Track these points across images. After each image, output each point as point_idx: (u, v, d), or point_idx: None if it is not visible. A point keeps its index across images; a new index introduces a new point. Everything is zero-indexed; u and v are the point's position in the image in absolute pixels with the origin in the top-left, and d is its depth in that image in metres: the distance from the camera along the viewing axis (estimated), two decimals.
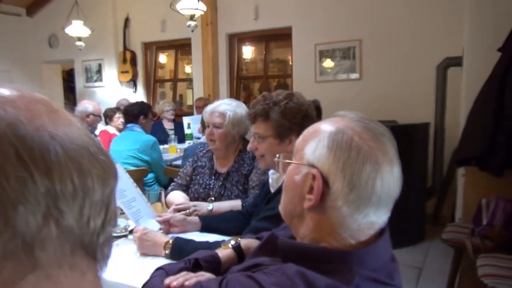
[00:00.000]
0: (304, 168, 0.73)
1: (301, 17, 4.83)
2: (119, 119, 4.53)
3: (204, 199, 1.99)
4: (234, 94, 5.61)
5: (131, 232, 1.51)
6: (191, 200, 2.03)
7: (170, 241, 1.30)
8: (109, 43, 6.31)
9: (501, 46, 2.59)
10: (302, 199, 0.73)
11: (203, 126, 2.75)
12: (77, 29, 5.19)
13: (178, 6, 3.57)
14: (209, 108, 2.04)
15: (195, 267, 0.93)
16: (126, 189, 1.55)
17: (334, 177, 0.68)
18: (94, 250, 0.35)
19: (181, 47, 6.22)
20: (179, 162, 3.42)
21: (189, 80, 6.37)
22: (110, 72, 6.44)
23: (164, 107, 4.91)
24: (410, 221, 3.50)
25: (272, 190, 1.46)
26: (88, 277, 0.35)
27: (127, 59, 6.17)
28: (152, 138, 3.23)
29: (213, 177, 2.02)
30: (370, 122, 0.74)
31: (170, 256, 1.28)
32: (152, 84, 6.44)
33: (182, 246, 1.28)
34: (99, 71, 6.55)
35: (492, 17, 2.88)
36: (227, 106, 2.00)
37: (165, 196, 2.09)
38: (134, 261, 1.28)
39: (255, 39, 5.69)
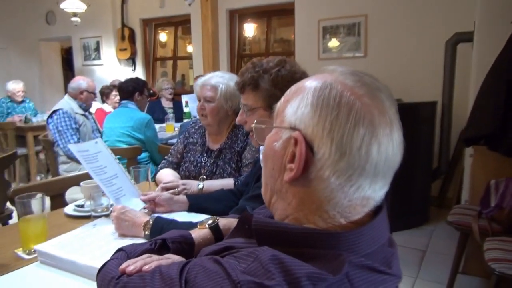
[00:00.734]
0: (285, 133, 0.61)
1: None
2: (115, 96, 4.42)
3: (196, 178, 1.88)
4: (235, 72, 5.44)
5: None
6: (182, 178, 1.92)
7: (150, 221, 1.19)
8: (107, 20, 6.14)
9: None
10: (283, 171, 0.61)
11: None
12: (72, 4, 5.03)
13: None
14: (200, 81, 1.91)
15: (163, 248, 0.82)
16: (106, 165, 1.44)
17: (319, 140, 0.56)
18: None
19: (181, 24, 6.04)
20: (175, 141, 3.31)
21: (189, 59, 6.20)
22: (109, 50, 6.28)
23: (163, 85, 4.77)
24: (415, 203, 3.39)
25: None
26: None
27: (125, 36, 6.01)
28: (146, 116, 3.12)
29: (205, 155, 1.90)
30: (364, 75, 0.61)
31: (150, 237, 1.17)
32: (152, 62, 6.28)
33: (163, 227, 1.17)
34: (97, 48, 6.40)
35: None
36: (219, 79, 1.87)
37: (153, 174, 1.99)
38: (111, 242, 1.18)
39: (257, 15, 5.49)
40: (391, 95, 0.61)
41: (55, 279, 1.06)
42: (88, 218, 1.46)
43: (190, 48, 6.37)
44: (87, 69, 6.56)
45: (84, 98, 3.31)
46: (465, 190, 3.20)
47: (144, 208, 1.47)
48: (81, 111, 3.29)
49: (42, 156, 5.10)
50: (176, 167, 1.99)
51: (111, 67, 6.31)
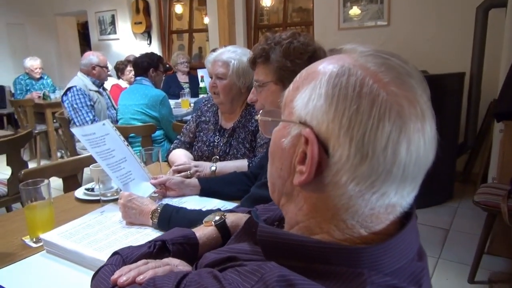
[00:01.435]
0: (294, 128, 0.51)
1: None
2: (130, 72, 4.36)
3: (209, 158, 1.82)
4: (251, 45, 5.29)
5: None
6: (195, 159, 1.86)
7: (158, 209, 1.14)
8: None
9: None
10: (292, 172, 0.52)
11: None
12: None
13: None
14: (211, 56, 1.82)
15: (163, 251, 0.76)
16: (115, 148, 1.38)
17: (335, 140, 0.47)
18: None
19: None
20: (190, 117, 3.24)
21: (206, 31, 6.05)
22: (124, 24, 6.19)
23: (178, 59, 4.67)
24: (439, 179, 3.24)
25: None
26: None
27: (140, 9, 5.88)
28: (161, 93, 3.04)
29: (218, 134, 1.83)
30: (390, 57, 0.51)
31: (158, 225, 1.12)
32: (167, 35, 6.16)
33: (171, 215, 1.11)
34: (112, 22, 6.30)
35: None
36: (231, 54, 1.76)
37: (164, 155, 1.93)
38: (118, 231, 1.13)
39: None
40: (423, 80, 0.51)
41: (60, 269, 1.02)
42: (98, 202, 1.42)
43: (206, 20, 6.21)
44: (103, 44, 6.51)
45: (97, 74, 3.26)
46: (493, 167, 3.04)
47: (155, 192, 1.42)
48: (95, 88, 3.24)
49: (61, 132, 5.15)
50: (189, 146, 1.93)
51: (127, 41, 6.23)
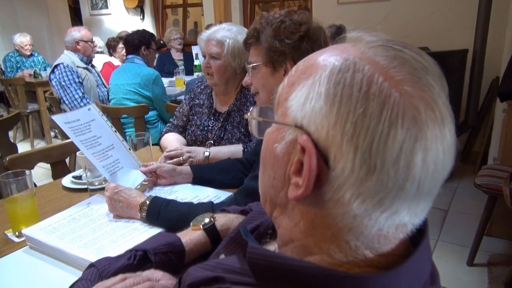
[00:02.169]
0: (289, 132, 0.44)
1: None
2: (122, 49, 4.22)
3: (203, 142, 1.74)
4: (248, 21, 5.12)
5: None
6: (188, 143, 1.78)
7: (147, 202, 1.07)
8: None
9: None
10: (287, 183, 0.45)
11: None
12: None
13: None
14: (204, 34, 1.71)
15: (145, 261, 0.69)
16: (101, 135, 1.30)
17: (337, 149, 0.40)
18: None
19: None
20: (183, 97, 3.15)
21: (201, 5, 5.85)
22: None
23: (171, 35, 4.52)
24: None
25: None
26: None
27: None
28: (154, 72, 2.93)
29: (212, 118, 1.75)
30: (403, 49, 0.43)
31: (147, 219, 1.06)
32: (161, 10, 5.96)
33: (160, 208, 1.05)
34: None
35: None
36: (226, 33, 1.66)
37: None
38: (104, 225, 1.07)
39: None
40: (441, 75, 0.43)
41: (44, 267, 0.97)
42: (85, 191, 1.36)
43: None
44: (94, 19, 6.31)
45: (82, 49, 3.14)
46: (494, 146, 2.99)
47: (145, 181, 1.36)
48: (82, 65, 3.13)
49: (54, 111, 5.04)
50: (182, 130, 1.85)
51: (119, 16, 6.03)
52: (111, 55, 4.46)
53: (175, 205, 1.07)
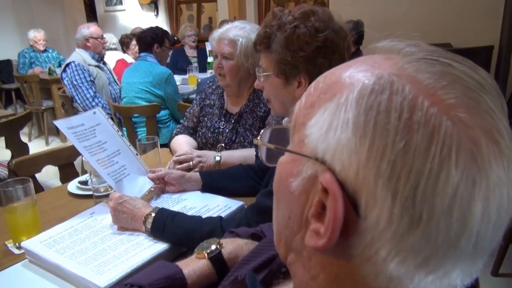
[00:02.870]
0: (306, 166, 0.36)
1: None
2: (136, 46, 4.16)
3: (213, 145, 1.67)
4: (263, 16, 5.02)
5: None
6: (199, 146, 1.72)
7: (152, 214, 1.00)
8: None
9: None
10: (304, 226, 0.37)
11: None
12: None
13: None
14: (216, 34, 1.63)
15: None
16: (107, 140, 1.24)
17: (370, 194, 0.31)
18: None
19: None
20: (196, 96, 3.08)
21: (215, 1, 5.77)
22: None
23: (185, 32, 4.45)
24: None
25: None
26: None
27: None
28: (166, 71, 2.87)
29: (223, 119, 1.67)
30: (452, 62, 0.34)
31: (151, 233, 0.99)
32: (175, 6, 5.90)
33: (166, 222, 0.98)
34: None
35: None
36: (239, 31, 1.58)
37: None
38: (106, 239, 1.00)
39: None
40: (499, 93, 0.34)
41: (42, 284, 0.91)
42: (91, 197, 1.30)
43: None
44: (109, 15, 6.29)
45: (92, 46, 3.10)
46: None
47: (152, 188, 1.29)
48: (94, 62, 3.09)
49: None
50: (193, 132, 1.78)
51: (133, 12, 6.01)
52: (124, 52, 4.42)
53: (182, 219, 1.00)
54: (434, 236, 0.30)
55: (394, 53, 0.36)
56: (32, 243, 0.99)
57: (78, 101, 2.98)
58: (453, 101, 0.31)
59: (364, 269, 0.33)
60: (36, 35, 5.09)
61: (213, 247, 0.68)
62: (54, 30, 6.31)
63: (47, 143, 4.69)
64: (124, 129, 2.79)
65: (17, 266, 0.98)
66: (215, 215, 1.10)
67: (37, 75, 4.65)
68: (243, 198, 1.25)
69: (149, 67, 2.86)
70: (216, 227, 0.96)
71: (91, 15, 7.67)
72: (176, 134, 1.77)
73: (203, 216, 1.05)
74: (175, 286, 0.63)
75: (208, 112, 1.72)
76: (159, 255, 0.94)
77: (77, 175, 1.71)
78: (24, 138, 3.25)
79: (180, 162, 1.47)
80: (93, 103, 2.97)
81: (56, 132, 5.10)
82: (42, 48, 5.20)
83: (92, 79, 3.02)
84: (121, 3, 6.10)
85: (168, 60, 3.94)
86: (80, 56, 3.03)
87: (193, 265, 0.66)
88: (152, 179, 1.29)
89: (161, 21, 5.73)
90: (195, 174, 1.33)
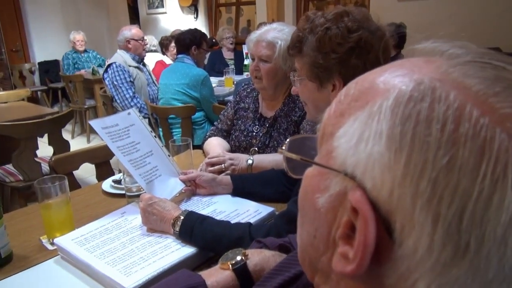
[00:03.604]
0: (335, 181, 0.32)
1: None
2: (174, 48, 4.24)
3: (246, 149, 1.65)
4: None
5: None
6: (232, 149, 1.70)
7: (181, 217, 0.99)
8: None
9: None
10: (331, 247, 0.34)
11: None
12: None
13: None
14: (253, 35, 1.61)
15: None
16: (140, 141, 1.25)
17: (406, 217, 0.27)
18: None
19: None
20: (231, 98, 3.09)
21: (254, 4, 5.79)
22: None
23: (223, 34, 4.49)
24: None
25: None
26: None
27: None
28: (203, 73, 2.89)
29: (257, 123, 1.65)
30: (506, 65, 0.29)
31: (179, 236, 0.98)
32: (214, 8, 5.97)
33: (194, 226, 0.97)
34: None
35: None
36: (278, 33, 1.55)
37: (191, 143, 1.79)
38: (135, 240, 1.00)
39: None
40: None
41: (72, 281, 0.92)
42: (124, 196, 1.31)
43: None
44: (151, 18, 6.46)
45: (133, 48, 3.18)
46: None
47: (183, 190, 1.29)
48: (134, 63, 3.17)
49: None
50: (226, 135, 1.77)
51: (174, 15, 6.13)
52: (164, 53, 4.52)
53: (210, 223, 0.98)
54: (483, 270, 0.26)
55: (437, 55, 0.32)
56: (64, 240, 1.00)
57: (118, 101, 3.07)
58: (508, 111, 0.27)
59: None
60: (76, 36, 5.37)
61: (238, 258, 0.66)
62: (98, 32, 6.56)
63: (88, 141, 4.86)
64: (160, 129, 2.84)
65: (49, 262, 1.00)
66: (244, 220, 1.08)
67: (81, 75, 4.84)
68: (273, 204, 1.22)
69: (186, 69, 2.89)
70: (245, 234, 0.93)
71: (134, 18, 7.90)
72: (210, 136, 1.77)
73: (232, 221, 1.03)
74: None
75: (242, 115, 1.71)
76: (186, 259, 0.93)
77: (112, 174, 1.74)
78: (67, 136, 3.38)
79: (212, 164, 1.45)
80: (132, 103, 3.04)
81: None
82: (81, 49, 5.45)
83: (132, 79, 3.10)
84: (162, 6, 6.25)
85: (206, 62, 3.99)
86: (121, 57, 3.12)
87: (216, 276, 0.64)
88: (183, 181, 1.29)
89: (200, 24, 5.82)
90: (226, 178, 1.31)
